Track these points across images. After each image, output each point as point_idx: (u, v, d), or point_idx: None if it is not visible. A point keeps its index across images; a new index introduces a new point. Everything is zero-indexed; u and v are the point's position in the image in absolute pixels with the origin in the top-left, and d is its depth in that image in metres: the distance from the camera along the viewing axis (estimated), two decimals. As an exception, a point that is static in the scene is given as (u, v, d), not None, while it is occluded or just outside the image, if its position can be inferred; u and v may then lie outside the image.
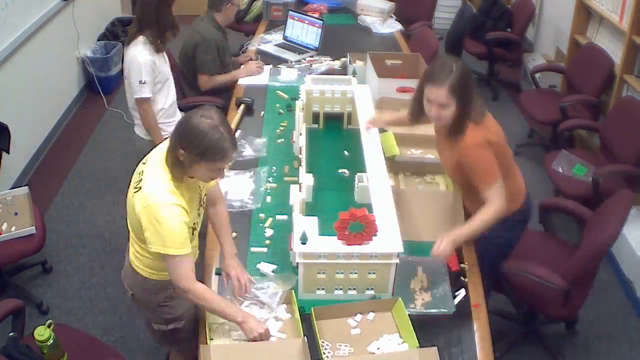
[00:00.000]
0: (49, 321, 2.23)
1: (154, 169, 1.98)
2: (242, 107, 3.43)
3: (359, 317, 2.11)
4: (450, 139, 2.40)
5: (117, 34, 5.66)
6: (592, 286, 2.70)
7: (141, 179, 1.98)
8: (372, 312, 2.12)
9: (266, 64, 4.03)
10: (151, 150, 2.11)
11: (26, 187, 3.33)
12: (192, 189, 2.05)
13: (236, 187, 2.77)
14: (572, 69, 4.52)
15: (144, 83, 3.01)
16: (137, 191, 1.96)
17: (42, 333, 2.16)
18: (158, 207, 1.89)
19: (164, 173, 1.95)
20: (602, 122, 4.02)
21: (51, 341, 2.18)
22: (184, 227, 1.94)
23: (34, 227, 3.01)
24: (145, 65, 2.98)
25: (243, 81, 3.80)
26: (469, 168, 2.36)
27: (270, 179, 2.82)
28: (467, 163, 2.35)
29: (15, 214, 3.12)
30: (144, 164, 2.06)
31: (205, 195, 2.18)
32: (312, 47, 4.25)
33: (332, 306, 2.09)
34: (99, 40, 5.53)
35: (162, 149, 2.01)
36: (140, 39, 3.01)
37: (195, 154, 1.88)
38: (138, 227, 1.99)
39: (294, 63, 4.09)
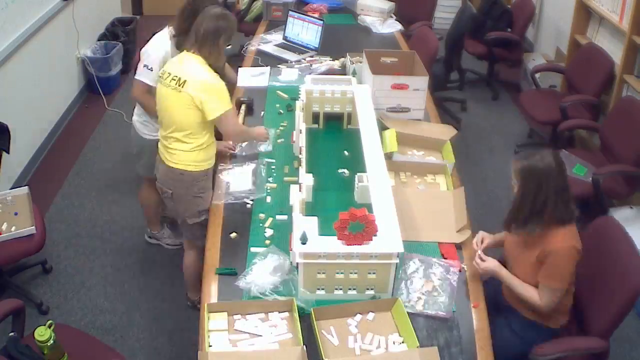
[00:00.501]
0: (49, 321, 2.23)
1: (191, 65, 2.57)
2: (243, 107, 3.43)
3: (358, 317, 2.11)
4: (527, 240, 2.27)
5: (117, 34, 5.66)
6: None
7: (179, 77, 2.55)
8: (372, 312, 2.12)
9: (266, 65, 4.03)
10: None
11: (26, 187, 3.33)
12: None
13: (238, 179, 2.79)
14: (572, 69, 4.52)
15: (150, 69, 2.95)
16: (184, 84, 2.53)
17: (43, 333, 2.16)
18: (210, 80, 2.56)
19: (202, 65, 2.57)
20: (602, 122, 4.03)
21: (51, 341, 2.18)
22: None
23: (34, 227, 3.01)
24: (159, 54, 2.95)
25: (243, 83, 3.78)
26: (547, 264, 2.20)
27: (270, 179, 2.83)
28: (549, 259, 2.19)
29: (15, 214, 3.12)
30: (171, 68, 2.62)
31: None
32: (312, 47, 4.25)
33: (332, 306, 2.09)
34: (99, 40, 5.52)
35: (186, 56, 2.61)
36: (167, 30, 3.03)
37: (229, 36, 2.62)
38: (188, 117, 2.57)
39: (294, 63, 4.08)
